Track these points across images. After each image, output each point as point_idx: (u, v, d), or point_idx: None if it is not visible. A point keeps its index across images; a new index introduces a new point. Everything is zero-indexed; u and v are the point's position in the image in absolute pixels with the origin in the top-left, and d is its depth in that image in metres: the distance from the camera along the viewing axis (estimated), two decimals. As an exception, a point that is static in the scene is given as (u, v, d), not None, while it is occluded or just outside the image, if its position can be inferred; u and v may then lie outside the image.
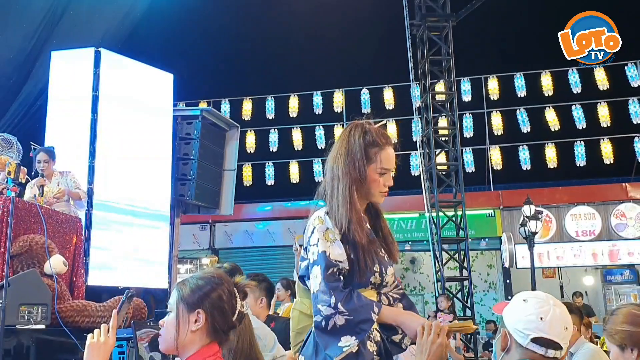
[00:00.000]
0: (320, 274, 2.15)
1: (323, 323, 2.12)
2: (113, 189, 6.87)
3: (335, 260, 2.16)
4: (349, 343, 2.09)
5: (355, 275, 2.19)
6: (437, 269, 11.73)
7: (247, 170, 15.46)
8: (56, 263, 4.82)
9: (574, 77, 14.39)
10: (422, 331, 2.06)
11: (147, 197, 7.35)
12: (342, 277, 2.17)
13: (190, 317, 1.83)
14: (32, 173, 5.99)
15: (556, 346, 1.82)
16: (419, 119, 12.90)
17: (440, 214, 12.09)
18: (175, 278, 8.21)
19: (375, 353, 2.20)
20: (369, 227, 2.30)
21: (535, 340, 1.82)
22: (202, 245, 15.24)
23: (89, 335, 1.94)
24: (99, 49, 6.99)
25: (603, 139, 14.16)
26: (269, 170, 15.48)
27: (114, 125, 7.01)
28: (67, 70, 7.12)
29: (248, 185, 15.43)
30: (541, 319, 1.83)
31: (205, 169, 8.25)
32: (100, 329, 1.95)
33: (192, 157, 7.99)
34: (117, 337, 2.00)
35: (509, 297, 14.28)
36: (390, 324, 2.22)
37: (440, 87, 12.81)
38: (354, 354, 2.11)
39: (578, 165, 14.21)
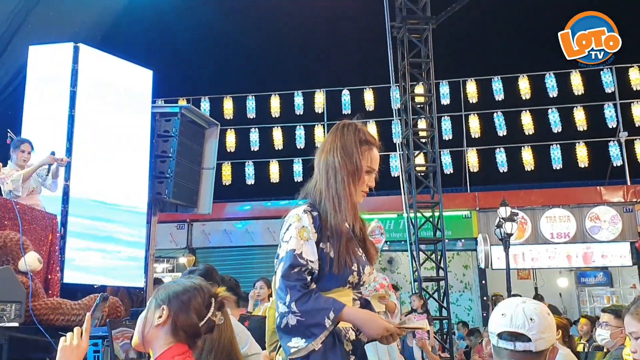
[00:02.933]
0: (280, 271, 2.17)
1: (278, 320, 2.14)
2: (90, 186, 6.81)
3: (306, 260, 2.17)
4: (297, 345, 2.11)
5: (333, 272, 2.21)
6: (414, 269, 11.81)
7: (227, 169, 15.41)
8: (31, 260, 4.77)
9: (550, 82, 14.61)
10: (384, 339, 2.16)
11: (125, 195, 7.30)
12: (308, 277, 2.17)
13: (156, 312, 1.88)
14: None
15: (523, 338, 1.80)
16: (399, 121, 12.98)
17: (418, 214, 12.18)
18: (152, 277, 8.16)
19: (350, 352, 2.21)
20: (347, 225, 2.31)
21: (500, 336, 1.84)
22: (179, 244, 15.14)
23: (62, 339, 1.93)
24: (78, 45, 6.93)
25: (578, 142, 14.37)
26: (249, 169, 15.46)
27: (92, 122, 6.95)
28: (45, 66, 7.04)
29: (227, 184, 15.38)
30: (503, 315, 1.86)
31: (184, 167, 8.21)
32: (73, 331, 1.95)
33: (170, 155, 7.93)
34: (92, 335, 2.00)
35: (484, 298, 14.46)
36: None
37: (419, 89, 12.90)
38: (321, 353, 2.12)
39: (554, 168, 14.40)
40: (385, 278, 5.74)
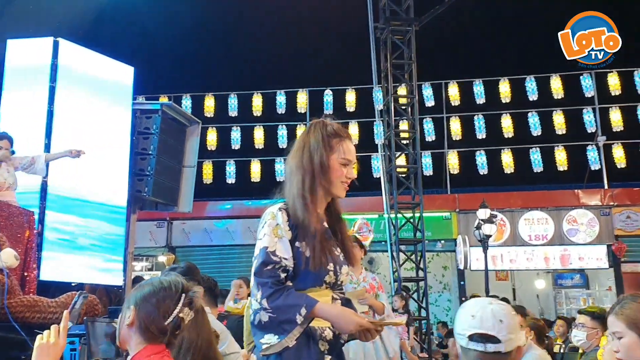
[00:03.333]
0: (253, 268, 2.19)
1: (252, 317, 2.16)
2: (68, 182, 6.74)
3: (279, 257, 2.18)
4: (270, 341, 2.12)
5: (309, 271, 2.21)
6: (394, 270, 11.85)
7: (208, 168, 15.33)
8: (7, 257, 4.71)
9: (530, 85, 14.75)
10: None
11: (104, 192, 7.24)
12: (282, 274, 2.17)
13: (127, 312, 1.90)
14: None
15: (493, 340, 1.81)
16: (381, 122, 13.01)
17: (399, 215, 12.21)
18: (130, 275, 8.09)
19: (326, 352, 2.22)
20: (326, 225, 2.32)
21: (471, 338, 1.84)
22: (158, 242, 15.03)
23: (39, 337, 1.91)
24: (58, 39, 6.85)
25: (557, 146, 14.52)
26: (230, 168, 15.39)
27: (71, 118, 6.88)
28: (24, 60, 6.95)
29: (208, 182, 15.31)
30: (472, 316, 1.86)
31: (164, 165, 8.15)
32: (50, 329, 1.93)
33: (150, 152, 7.87)
34: (69, 333, 1.99)
35: (463, 299, 14.54)
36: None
37: (402, 90, 12.94)
38: (294, 350, 2.12)
39: (533, 171, 14.54)
40: (374, 278, 5.48)
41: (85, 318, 4.35)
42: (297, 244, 2.23)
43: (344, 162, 2.31)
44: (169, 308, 1.88)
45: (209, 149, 15.33)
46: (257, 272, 2.17)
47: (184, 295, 1.92)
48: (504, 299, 13.23)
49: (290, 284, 2.21)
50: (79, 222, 6.87)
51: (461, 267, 13.93)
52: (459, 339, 1.88)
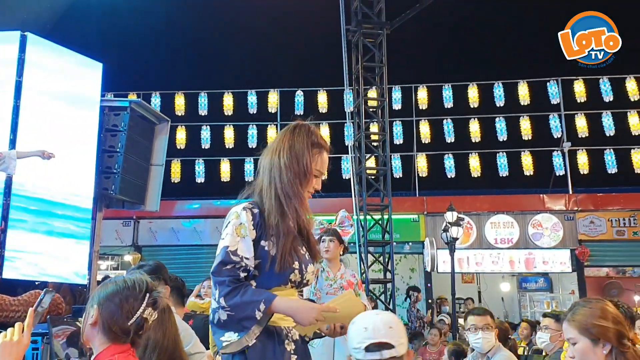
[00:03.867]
0: (212, 267, 2.20)
1: (211, 316, 2.17)
2: (33, 179, 6.63)
3: (240, 256, 2.17)
4: (230, 339, 2.12)
5: (274, 270, 2.21)
6: (362, 271, 11.90)
7: (176, 167, 15.19)
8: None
9: (498, 91, 14.97)
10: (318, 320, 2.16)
11: (70, 189, 7.13)
12: (242, 274, 2.18)
13: (90, 311, 1.89)
14: None
15: (388, 346, 1.88)
16: (351, 124, 13.06)
17: (368, 217, 12.27)
18: (96, 274, 7.98)
19: (292, 352, 2.22)
20: (292, 224, 2.32)
21: (367, 349, 1.88)
22: (125, 241, 14.84)
23: (1, 334, 1.88)
24: (25, 33, 6.73)
25: (524, 151, 14.76)
26: (199, 167, 15.28)
27: (37, 113, 6.76)
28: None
29: (176, 181, 15.17)
30: (365, 329, 1.90)
31: (132, 163, 8.05)
32: (15, 326, 1.90)
33: (118, 150, 7.77)
34: (32, 332, 1.96)
35: (429, 301, 14.67)
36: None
37: (372, 93, 13.00)
38: (259, 350, 2.13)
39: (500, 175, 14.74)
40: (354, 275, 4.95)
41: (48, 317, 4.29)
42: (262, 242, 2.23)
43: (317, 173, 2.34)
44: (133, 308, 1.86)
45: (178, 147, 15.20)
46: (215, 271, 2.18)
47: (148, 295, 1.90)
48: (469, 299, 13.46)
49: (254, 283, 2.21)
50: (43, 219, 6.76)
51: (428, 269, 14.05)
52: (355, 353, 1.91)
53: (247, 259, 2.18)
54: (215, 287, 2.16)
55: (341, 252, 4.97)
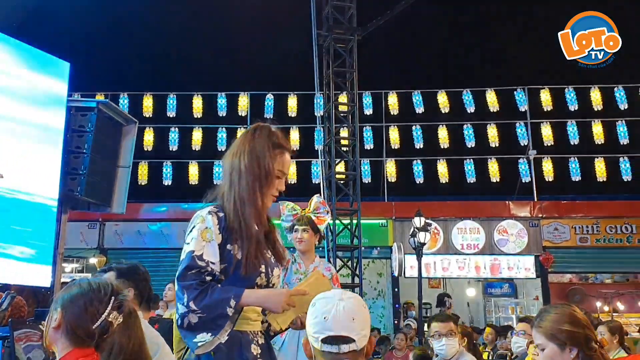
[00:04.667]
0: (177, 272, 2.20)
1: (179, 321, 2.17)
2: (-4, 179, 6.48)
3: (206, 261, 2.18)
4: (204, 339, 2.13)
5: (240, 274, 2.22)
6: (330, 276, 11.91)
7: (143, 169, 15.01)
8: None
9: (467, 98, 15.16)
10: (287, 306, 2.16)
11: (33, 190, 6.99)
12: (207, 278, 2.18)
13: (53, 314, 1.86)
14: None
15: (347, 340, 1.78)
16: (322, 128, 13.08)
17: (337, 221, 12.30)
18: (60, 277, 7.84)
19: (258, 356, 2.23)
20: (256, 228, 2.32)
21: (325, 341, 1.78)
22: (90, 244, 14.61)
23: None
24: (-11, 31, 6.60)
25: (490, 158, 14.95)
26: (167, 169, 15.12)
27: (2, 112, 6.62)
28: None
29: (143, 184, 14.99)
30: (325, 318, 1.79)
31: (98, 164, 7.92)
32: None
33: (84, 151, 7.63)
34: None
35: (397, 306, 14.76)
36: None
37: (343, 98, 13.06)
38: (225, 353, 2.14)
39: (467, 181, 14.91)
40: (328, 268, 4.56)
41: (10, 320, 4.19)
42: (228, 246, 2.23)
43: (279, 174, 2.33)
44: (97, 311, 1.83)
45: (145, 149, 15.03)
46: (180, 276, 2.18)
47: (113, 298, 1.87)
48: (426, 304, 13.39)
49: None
50: (5, 220, 6.62)
51: (396, 274, 14.12)
52: (312, 341, 1.82)
53: (212, 263, 2.19)
54: (183, 291, 2.15)
55: (317, 242, 4.58)
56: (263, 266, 2.26)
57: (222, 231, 2.23)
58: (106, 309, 1.84)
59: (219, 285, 2.19)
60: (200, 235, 2.21)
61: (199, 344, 2.14)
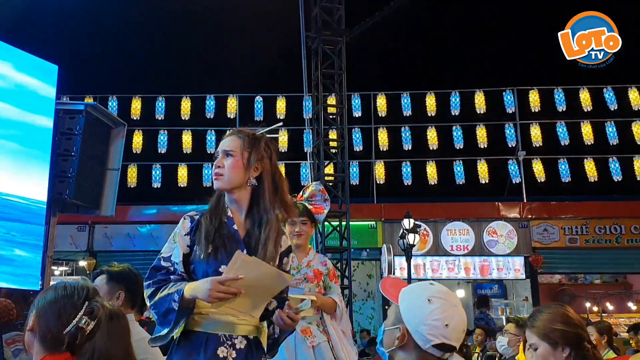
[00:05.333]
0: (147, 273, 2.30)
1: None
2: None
3: (172, 262, 2.29)
4: (160, 334, 2.22)
5: (201, 274, 2.27)
6: (319, 278, 11.90)
7: (132, 171, 14.96)
8: None
9: (455, 100, 15.20)
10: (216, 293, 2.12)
11: (21, 193, 6.95)
12: (172, 277, 2.27)
13: (30, 318, 1.86)
14: None
15: (453, 349, 1.79)
16: (310, 130, 13.09)
17: (326, 223, 12.30)
18: (49, 280, 7.80)
19: (230, 359, 2.22)
20: (235, 228, 2.34)
21: (436, 346, 1.75)
22: (79, 246, 14.53)
23: None
24: (-24, 33, 6.55)
25: (479, 159, 14.99)
26: (156, 172, 15.07)
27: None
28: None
29: (132, 186, 14.94)
30: (446, 325, 1.74)
31: (87, 167, 7.88)
32: None
33: (72, 154, 7.59)
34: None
35: (386, 307, 14.75)
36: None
37: (332, 100, 13.06)
38: (181, 354, 2.19)
39: (456, 183, 14.95)
40: (324, 263, 4.04)
41: (-2, 324, 4.17)
42: (195, 247, 2.32)
43: (217, 154, 2.46)
44: (70, 316, 1.80)
45: (134, 152, 14.98)
46: (146, 276, 2.30)
47: (87, 303, 1.84)
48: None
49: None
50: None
51: (385, 275, 14.14)
52: (419, 338, 1.75)
53: (177, 264, 2.29)
54: (145, 290, 2.27)
55: (311, 232, 4.12)
56: (224, 266, 2.23)
57: (190, 234, 2.33)
58: (78, 314, 1.81)
59: (174, 281, 2.24)
60: (172, 238, 2.35)
61: (153, 336, 2.24)
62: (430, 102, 15.25)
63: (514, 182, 15.10)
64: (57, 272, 14.06)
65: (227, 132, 2.47)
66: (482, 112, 15.17)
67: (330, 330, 3.78)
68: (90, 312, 1.83)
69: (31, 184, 7.12)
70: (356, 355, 3.98)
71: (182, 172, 15.03)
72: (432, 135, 15.08)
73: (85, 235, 14.58)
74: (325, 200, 4.07)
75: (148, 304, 2.23)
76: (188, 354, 2.18)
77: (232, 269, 2.14)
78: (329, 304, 3.86)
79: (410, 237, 11.75)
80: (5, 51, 6.99)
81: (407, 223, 11.86)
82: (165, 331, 2.19)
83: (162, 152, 15.20)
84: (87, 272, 14.12)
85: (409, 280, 11.57)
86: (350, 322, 4.10)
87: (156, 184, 15.05)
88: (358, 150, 15.16)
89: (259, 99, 15.47)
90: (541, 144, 14.99)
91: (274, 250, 2.36)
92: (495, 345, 7.17)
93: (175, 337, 2.26)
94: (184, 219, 2.37)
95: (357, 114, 15.33)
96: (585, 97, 14.97)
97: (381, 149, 15.17)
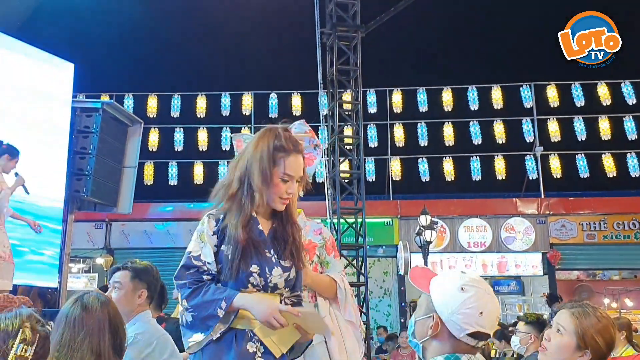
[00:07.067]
0: (176, 272, 2.26)
1: (180, 319, 2.23)
2: (3, 180, 6.49)
3: (202, 261, 2.23)
4: (196, 339, 2.17)
5: (228, 274, 2.24)
6: (336, 275, 11.87)
7: (149, 169, 15.06)
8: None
9: (472, 95, 15.10)
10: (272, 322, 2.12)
11: (40, 191, 7.00)
12: (205, 277, 2.22)
13: None
14: None
15: (487, 337, 1.77)
16: (325, 127, 13.05)
17: (341, 220, 12.27)
18: (66, 277, 7.87)
19: (259, 353, 2.22)
20: (260, 228, 2.32)
21: (471, 335, 1.73)
22: (96, 244, 14.65)
23: None
24: (-6, 32, 6.62)
25: (497, 155, 14.89)
26: (172, 169, 15.16)
27: (7, 114, 6.64)
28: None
29: (149, 184, 15.04)
30: (481, 313, 1.72)
31: (104, 165, 7.96)
32: None
33: (90, 152, 7.68)
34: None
35: (403, 304, 14.72)
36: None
37: (347, 96, 13.02)
38: (213, 347, 2.16)
39: (473, 179, 14.87)
40: (319, 231, 3.17)
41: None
42: (222, 247, 2.27)
43: (284, 177, 2.27)
44: (7, 347, 1.79)
45: (150, 149, 15.07)
46: (177, 275, 2.25)
47: (20, 331, 1.82)
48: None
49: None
50: (14, 221, 6.62)
51: (402, 272, 14.07)
52: (454, 327, 1.73)
53: (209, 263, 2.24)
54: (179, 290, 2.22)
55: (301, 193, 2.66)
56: (255, 266, 2.24)
57: (217, 233, 2.28)
58: (14, 343, 1.80)
59: (215, 285, 2.21)
60: (198, 237, 2.28)
61: (190, 344, 2.18)
62: (447, 97, 15.17)
63: (531, 178, 14.99)
64: (74, 270, 14.18)
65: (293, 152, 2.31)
66: (499, 107, 15.06)
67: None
68: (24, 339, 1.82)
69: (49, 182, 7.18)
70: (362, 352, 3.13)
71: (198, 170, 15.11)
72: (448, 130, 14.99)
73: (103, 233, 14.69)
74: (315, 147, 3.32)
75: (185, 304, 2.18)
76: (220, 350, 2.17)
77: (302, 310, 2.20)
78: (324, 284, 2.99)
79: (427, 234, 11.69)
80: (23, 50, 7.04)
81: (423, 220, 11.80)
82: (202, 337, 2.16)
83: (178, 149, 15.29)
84: (105, 269, 14.23)
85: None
86: (358, 308, 3.30)
87: (172, 182, 15.14)
88: (374, 146, 15.13)
89: (273, 96, 15.48)
90: (559, 139, 14.86)
91: (300, 249, 2.40)
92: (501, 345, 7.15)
93: None
94: (209, 217, 2.32)
95: (373, 110, 15.29)
96: (603, 91, 14.81)
97: (397, 145, 15.12)
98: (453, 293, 1.76)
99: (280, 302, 2.30)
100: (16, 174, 6.27)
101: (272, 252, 2.31)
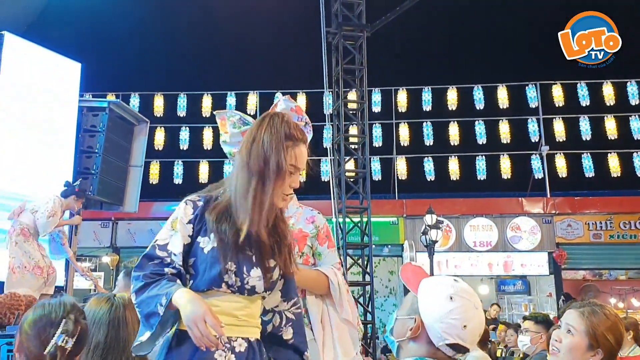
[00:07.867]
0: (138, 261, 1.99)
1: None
2: (9, 179, 6.53)
3: (168, 252, 1.96)
4: (144, 338, 1.89)
5: (202, 269, 1.98)
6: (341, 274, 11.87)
7: (155, 168, 15.11)
8: None
9: (477, 94, 15.09)
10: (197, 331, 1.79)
11: (47, 190, 7.03)
12: (166, 270, 1.93)
13: (16, 336, 1.84)
14: None
15: (466, 351, 1.71)
16: (331, 126, 13.05)
17: (347, 219, 12.27)
18: (73, 276, 7.89)
19: None
20: (228, 227, 2.03)
21: (450, 345, 1.68)
22: (102, 243, 14.72)
23: None
24: (3, 32, 6.65)
25: (502, 154, 14.87)
26: (178, 168, 15.21)
27: (14, 113, 6.67)
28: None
29: (155, 183, 15.09)
30: (464, 326, 1.67)
31: (110, 164, 7.99)
32: None
33: (96, 151, 7.71)
34: (7, 334, 1.92)
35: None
36: None
37: (352, 95, 13.02)
38: (175, 356, 1.93)
39: (478, 178, 14.84)
40: (312, 219, 2.84)
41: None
42: (198, 239, 2.00)
43: (292, 169, 2.01)
44: (48, 336, 1.79)
45: (156, 148, 15.13)
46: (137, 265, 1.96)
47: (64, 321, 1.81)
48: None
49: (191, 282, 1.99)
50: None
51: (408, 270, 14.07)
52: (434, 334, 1.69)
53: (175, 255, 1.96)
54: (132, 282, 1.95)
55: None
56: (231, 263, 1.96)
57: (194, 221, 2.02)
58: (56, 333, 1.80)
59: (168, 280, 1.91)
60: (170, 224, 2.02)
61: (135, 343, 1.90)
62: (452, 96, 15.16)
63: (537, 178, 14.95)
64: (81, 268, 14.22)
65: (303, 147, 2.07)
66: (504, 106, 15.04)
67: (317, 329, 2.70)
68: (66, 331, 1.81)
69: (56, 182, 7.21)
70: (356, 352, 2.83)
71: (204, 169, 15.15)
72: (454, 130, 14.98)
73: (109, 232, 14.76)
74: (306, 124, 2.92)
75: (133, 299, 1.91)
76: (178, 353, 1.92)
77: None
78: (312, 280, 2.68)
79: (433, 233, 11.69)
80: (30, 49, 7.08)
81: (429, 219, 11.80)
82: (147, 334, 1.87)
83: (184, 148, 15.34)
84: (111, 268, 14.28)
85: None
86: (355, 303, 2.89)
87: (178, 180, 15.19)
88: (379, 146, 15.13)
89: (279, 95, 15.49)
90: (564, 139, 14.83)
91: (292, 251, 2.15)
92: (513, 339, 7.12)
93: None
94: (186, 203, 2.06)
95: (378, 109, 15.29)
96: (608, 91, 14.77)
97: (402, 145, 15.12)
98: (440, 300, 1.71)
99: (274, 311, 2.11)
100: (78, 212, 6.63)
101: (253, 250, 2.02)
